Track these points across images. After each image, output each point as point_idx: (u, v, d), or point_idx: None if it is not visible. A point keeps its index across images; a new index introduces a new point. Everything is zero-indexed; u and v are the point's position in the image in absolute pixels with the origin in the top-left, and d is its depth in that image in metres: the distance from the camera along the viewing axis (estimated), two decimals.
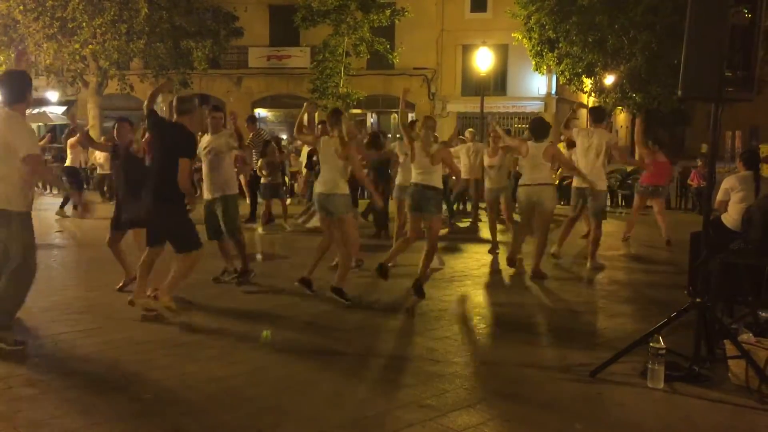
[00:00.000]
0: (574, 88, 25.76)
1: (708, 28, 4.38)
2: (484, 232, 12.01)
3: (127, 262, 7.04)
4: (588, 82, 24.51)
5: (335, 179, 6.57)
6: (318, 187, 6.69)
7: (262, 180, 11.88)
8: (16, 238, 4.92)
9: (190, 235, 5.93)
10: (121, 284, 6.96)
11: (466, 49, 27.48)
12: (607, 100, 24.17)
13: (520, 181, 8.19)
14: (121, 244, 7.06)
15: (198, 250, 5.94)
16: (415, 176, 6.95)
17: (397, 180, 8.79)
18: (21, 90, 5.09)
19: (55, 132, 30.17)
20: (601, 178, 8.46)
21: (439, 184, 6.88)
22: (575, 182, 8.73)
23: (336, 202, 6.54)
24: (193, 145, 6.01)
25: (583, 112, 21.18)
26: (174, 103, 6.10)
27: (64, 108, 27.62)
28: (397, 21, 23.92)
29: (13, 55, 19.60)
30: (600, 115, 9.09)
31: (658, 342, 4.42)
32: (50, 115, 27.37)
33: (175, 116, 6.07)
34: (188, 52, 21.79)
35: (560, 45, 22.25)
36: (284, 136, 23.90)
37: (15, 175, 4.88)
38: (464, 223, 13.14)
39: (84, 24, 19.28)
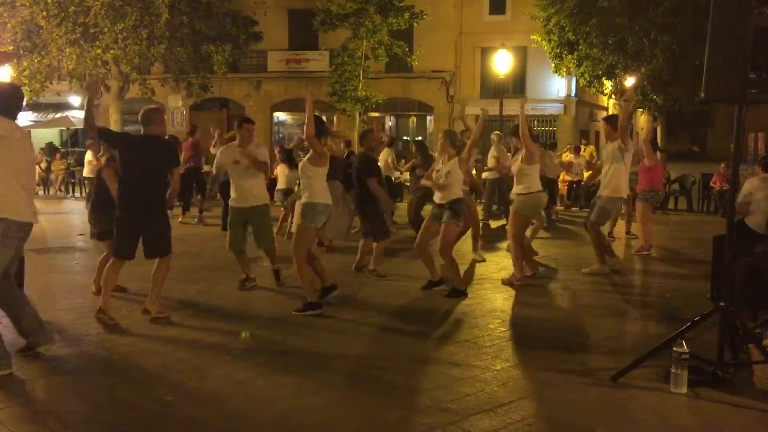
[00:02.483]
0: (594, 90, 25.57)
1: (731, 30, 4.34)
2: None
3: None
4: (608, 84, 24.32)
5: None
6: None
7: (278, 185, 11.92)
8: None
9: (169, 239, 6.18)
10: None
11: (485, 52, 27.38)
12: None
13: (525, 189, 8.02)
14: None
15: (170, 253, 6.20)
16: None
17: None
18: None
19: (78, 136, 30.53)
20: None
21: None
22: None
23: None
24: (177, 153, 6.20)
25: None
26: (143, 114, 6.08)
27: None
28: (415, 24, 23.89)
29: (37, 61, 19.85)
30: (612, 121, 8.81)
31: (682, 346, 4.37)
32: (72, 120, 27.69)
33: (144, 127, 6.05)
34: (208, 57, 21.93)
35: (580, 47, 22.09)
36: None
37: None
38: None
39: (106, 29, 19.47)
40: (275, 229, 11.01)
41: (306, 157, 6.52)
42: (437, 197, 7.23)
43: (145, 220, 5.94)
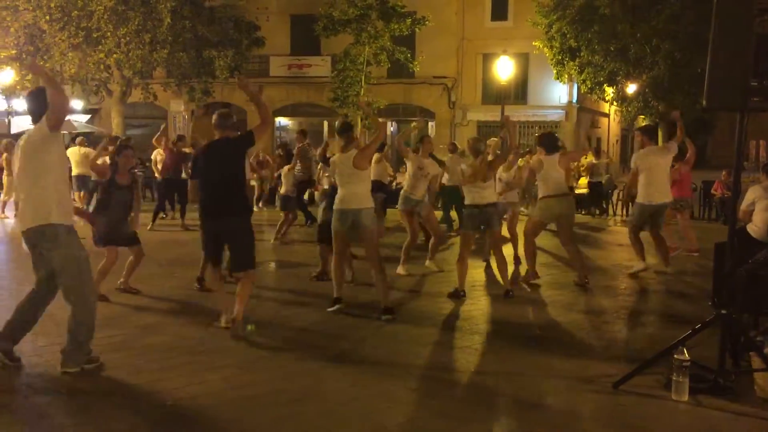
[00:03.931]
0: (596, 97, 25.61)
1: (733, 38, 4.35)
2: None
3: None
4: (610, 91, 24.37)
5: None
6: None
7: (281, 191, 11.88)
8: None
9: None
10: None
11: (487, 58, 27.45)
12: (629, 108, 24.00)
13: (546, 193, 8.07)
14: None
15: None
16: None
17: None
18: None
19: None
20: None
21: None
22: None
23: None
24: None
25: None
26: (217, 119, 5.89)
27: (88, 116, 27.95)
28: (417, 30, 23.96)
29: (40, 64, 19.89)
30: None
31: (683, 354, 4.37)
32: (74, 124, 27.77)
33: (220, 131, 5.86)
34: (210, 62, 21.98)
35: (582, 54, 22.15)
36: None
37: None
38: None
39: (108, 34, 19.53)
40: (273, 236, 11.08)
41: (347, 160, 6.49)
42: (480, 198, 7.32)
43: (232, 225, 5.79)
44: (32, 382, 4.62)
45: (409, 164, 8.77)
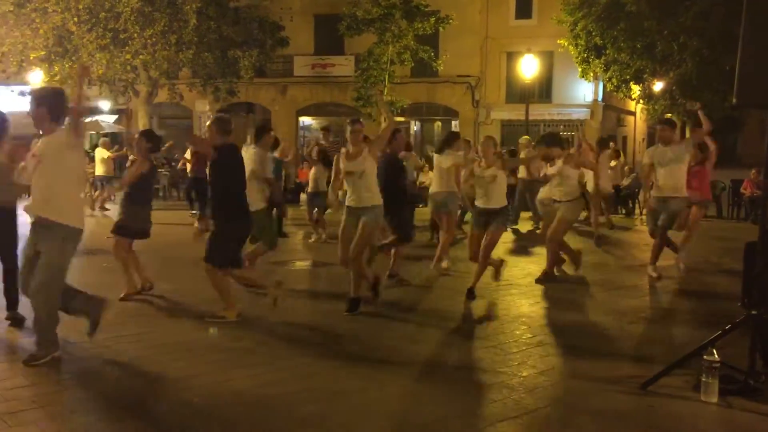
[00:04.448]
0: (622, 95, 25.34)
1: (764, 34, 4.28)
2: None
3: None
4: (636, 89, 24.09)
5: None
6: None
7: (308, 189, 11.91)
8: None
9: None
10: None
11: (511, 57, 27.29)
12: (656, 106, 23.72)
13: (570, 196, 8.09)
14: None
15: None
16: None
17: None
18: None
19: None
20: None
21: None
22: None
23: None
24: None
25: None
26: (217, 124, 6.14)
27: (115, 116, 28.30)
28: (441, 29, 23.88)
29: (68, 66, 20.15)
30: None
31: (713, 355, 4.31)
32: (102, 124, 28.13)
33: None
34: (235, 62, 22.13)
35: (607, 51, 21.93)
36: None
37: None
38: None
39: (135, 35, 19.74)
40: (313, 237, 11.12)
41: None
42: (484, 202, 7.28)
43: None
44: (64, 377, 4.70)
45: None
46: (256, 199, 7.12)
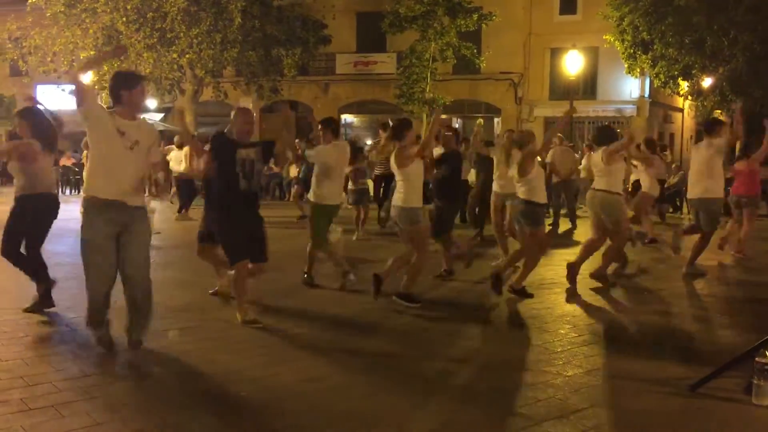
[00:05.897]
0: (669, 92, 24.85)
1: None
2: (578, 237, 11.80)
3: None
4: (684, 85, 23.59)
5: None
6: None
7: (350, 186, 11.98)
8: None
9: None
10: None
11: (555, 53, 26.99)
12: (705, 103, 23.20)
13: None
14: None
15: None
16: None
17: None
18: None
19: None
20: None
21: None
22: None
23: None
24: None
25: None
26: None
27: (161, 115, 28.81)
28: (484, 25, 23.74)
29: (116, 65, 20.61)
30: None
31: (765, 357, 4.21)
32: (149, 122, 28.63)
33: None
34: (278, 60, 22.36)
35: (655, 47, 21.53)
36: (369, 141, 24.10)
37: None
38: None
39: (182, 34, 20.10)
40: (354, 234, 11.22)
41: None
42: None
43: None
44: (116, 369, 4.82)
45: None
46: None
